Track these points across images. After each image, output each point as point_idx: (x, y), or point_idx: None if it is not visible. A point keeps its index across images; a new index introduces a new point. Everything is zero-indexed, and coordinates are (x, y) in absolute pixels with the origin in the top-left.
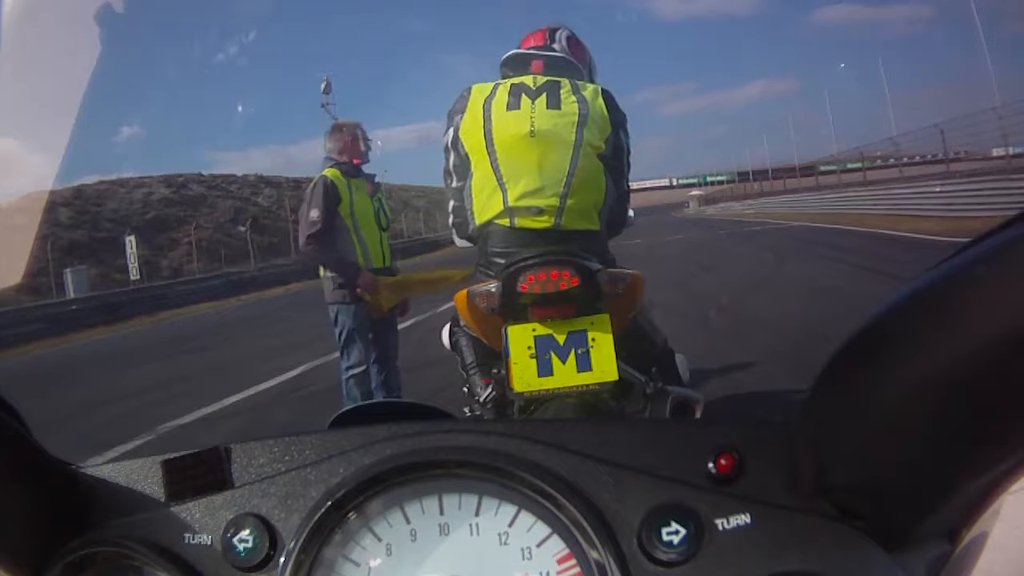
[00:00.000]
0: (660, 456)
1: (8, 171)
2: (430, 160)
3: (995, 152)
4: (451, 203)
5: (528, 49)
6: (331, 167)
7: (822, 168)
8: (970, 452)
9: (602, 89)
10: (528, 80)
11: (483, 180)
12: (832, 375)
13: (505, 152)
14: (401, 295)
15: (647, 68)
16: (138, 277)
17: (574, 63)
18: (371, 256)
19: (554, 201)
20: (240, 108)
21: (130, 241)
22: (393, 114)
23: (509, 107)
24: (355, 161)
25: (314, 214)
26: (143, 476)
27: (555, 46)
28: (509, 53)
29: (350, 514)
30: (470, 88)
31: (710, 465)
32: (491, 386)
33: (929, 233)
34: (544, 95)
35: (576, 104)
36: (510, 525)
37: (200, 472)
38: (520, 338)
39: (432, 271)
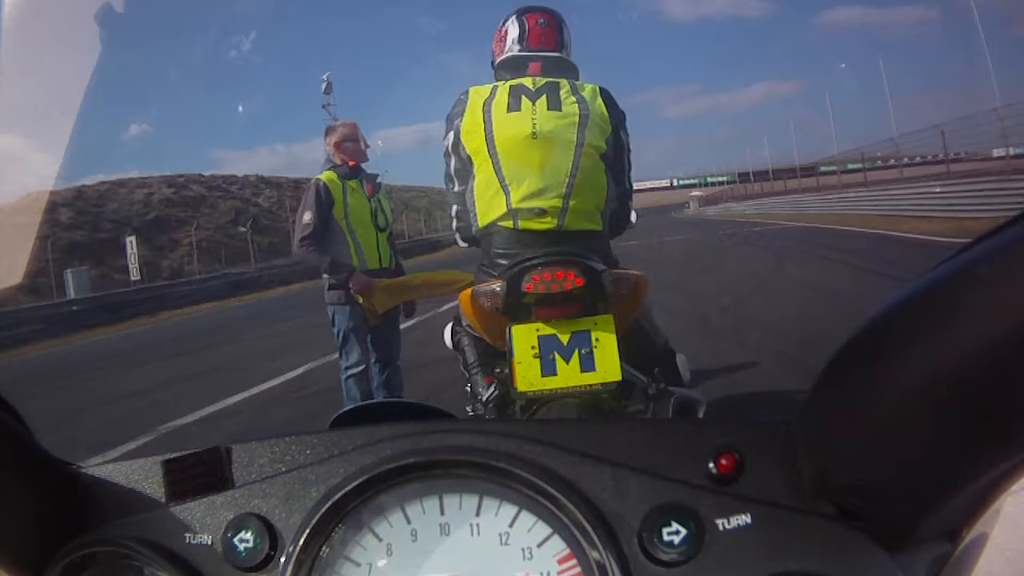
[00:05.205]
0: (661, 456)
1: (13, 169)
2: (431, 160)
3: (995, 153)
4: (454, 207)
5: (527, 51)
6: (328, 169)
7: (823, 169)
8: (970, 452)
9: (600, 88)
10: (527, 82)
11: (486, 182)
12: (833, 375)
13: (507, 154)
14: (398, 298)
15: (651, 69)
16: (139, 277)
17: (571, 63)
18: (366, 257)
19: (557, 202)
20: (241, 108)
21: (131, 241)
22: (394, 114)
23: (510, 109)
24: (351, 163)
25: (307, 217)
26: (143, 476)
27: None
28: (505, 55)
29: (351, 514)
30: (468, 91)
31: (711, 465)
32: (493, 386)
33: (930, 234)
34: (544, 96)
35: (576, 105)
36: (511, 525)
37: (200, 472)
38: (524, 338)
39: (431, 275)
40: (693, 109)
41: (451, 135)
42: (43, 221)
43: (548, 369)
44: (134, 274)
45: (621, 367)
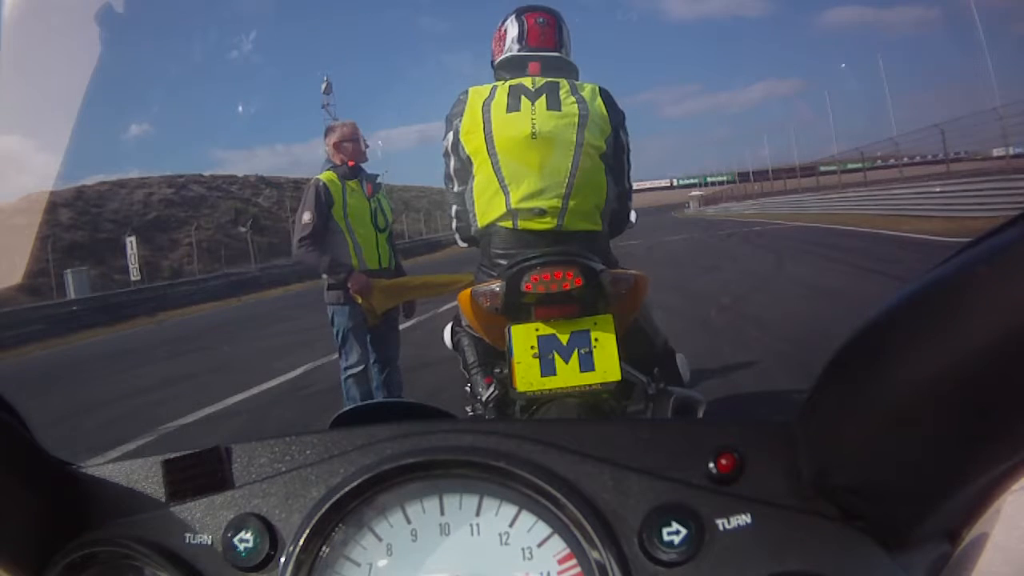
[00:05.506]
0: (661, 456)
1: (13, 169)
2: (431, 160)
3: (995, 152)
4: (453, 207)
5: (527, 51)
6: (328, 169)
7: (822, 168)
8: (971, 452)
9: (600, 88)
10: (527, 82)
11: (485, 183)
12: (833, 375)
13: (507, 154)
14: (397, 299)
15: (651, 69)
16: (139, 278)
17: (571, 63)
18: (366, 257)
19: (556, 202)
20: (240, 108)
21: (131, 242)
22: (394, 114)
23: (509, 109)
24: (350, 163)
25: (306, 217)
26: (143, 476)
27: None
28: (504, 55)
29: (351, 514)
30: (467, 91)
31: (711, 465)
32: (493, 386)
33: (930, 233)
34: (544, 96)
35: (576, 105)
36: (511, 525)
37: (201, 472)
38: (523, 338)
39: (431, 276)
40: (693, 109)
41: (450, 135)
42: (43, 221)
43: (547, 369)
44: (134, 274)
45: (620, 367)
